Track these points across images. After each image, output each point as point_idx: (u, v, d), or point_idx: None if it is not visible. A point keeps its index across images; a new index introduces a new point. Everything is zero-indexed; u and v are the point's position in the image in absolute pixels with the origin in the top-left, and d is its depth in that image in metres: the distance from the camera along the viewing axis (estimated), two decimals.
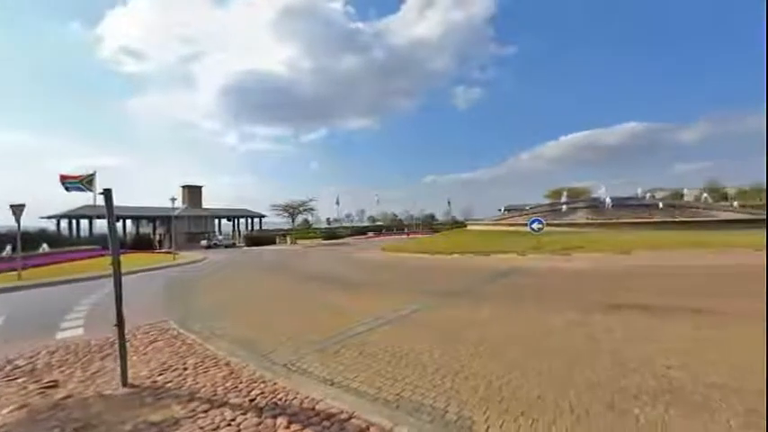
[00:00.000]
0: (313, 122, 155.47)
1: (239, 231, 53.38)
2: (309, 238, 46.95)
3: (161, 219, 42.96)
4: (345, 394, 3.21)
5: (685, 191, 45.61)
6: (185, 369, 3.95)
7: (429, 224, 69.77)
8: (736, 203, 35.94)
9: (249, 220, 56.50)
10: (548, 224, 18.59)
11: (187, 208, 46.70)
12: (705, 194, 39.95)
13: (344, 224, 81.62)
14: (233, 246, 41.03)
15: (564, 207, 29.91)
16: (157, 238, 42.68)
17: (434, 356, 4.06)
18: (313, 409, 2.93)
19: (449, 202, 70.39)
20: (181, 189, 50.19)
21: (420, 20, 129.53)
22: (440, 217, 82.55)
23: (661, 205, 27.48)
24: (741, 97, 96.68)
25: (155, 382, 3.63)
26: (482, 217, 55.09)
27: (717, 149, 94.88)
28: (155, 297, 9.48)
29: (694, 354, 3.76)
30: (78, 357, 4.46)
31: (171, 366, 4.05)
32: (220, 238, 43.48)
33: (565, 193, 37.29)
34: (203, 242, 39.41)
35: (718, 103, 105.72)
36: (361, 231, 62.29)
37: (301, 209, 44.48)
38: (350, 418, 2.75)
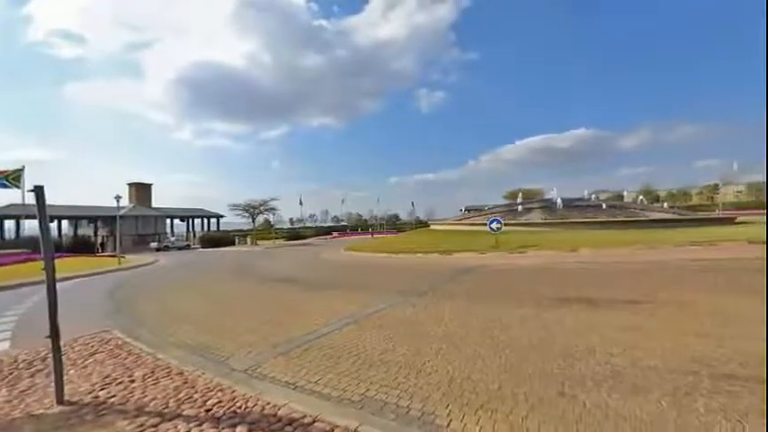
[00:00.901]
0: (274, 119, 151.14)
1: (194, 232, 50.38)
2: (271, 238, 45.46)
3: (104, 219, 39.41)
4: (309, 397, 3.15)
5: (625, 193, 50.08)
6: (132, 381, 3.66)
7: (393, 224, 70.54)
8: (665, 205, 40.09)
9: (206, 221, 53.57)
10: (505, 224, 19.52)
11: (135, 207, 43.26)
12: (641, 196, 44.17)
13: (308, 224, 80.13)
14: (187, 248, 38.63)
15: (520, 207, 31.59)
16: (99, 240, 39.07)
17: (399, 355, 4.11)
18: (275, 415, 2.84)
19: (413, 203, 71.92)
20: (128, 187, 46.38)
21: (384, 21, 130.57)
22: (404, 217, 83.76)
23: (605, 206, 29.97)
24: (672, 109, 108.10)
25: (96, 397, 3.32)
26: (445, 217, 56.65)
27: (652, 155, 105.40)
28: (96, 305, 8.67)
29: (633, 341, 4.13)
30: (3, 375, 3.96)
31: (115, 379, 3.73)
32: (173, 239, 40.69)
33: (521, 195, 39.39)
34: (153, 244, 36.68)
35: (653, 114, 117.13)
36: (326, 232, 61.46)
37: (262, 209, 42.79)
38: (314, 421, 2.71)
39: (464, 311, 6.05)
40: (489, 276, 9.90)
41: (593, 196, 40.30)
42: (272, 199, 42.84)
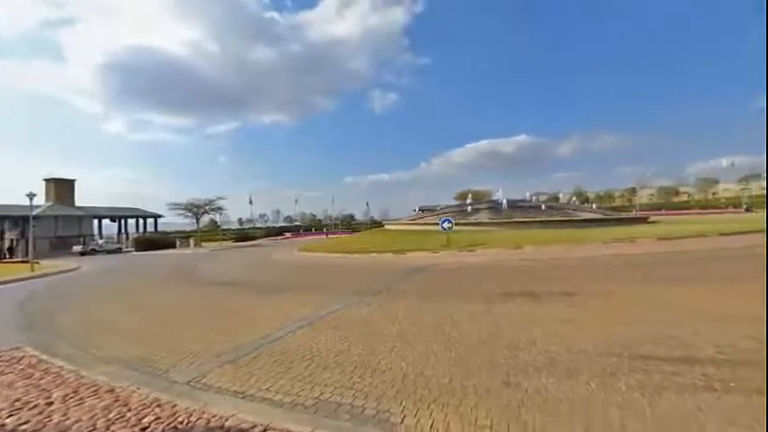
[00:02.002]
0: (222, 113, 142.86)
1: (128, 234, 45.76)
2: (218, 240, 42.82)
3: (13, 220, 34.24)
4: (259, 406, 3.01)
5: (560, 195, 54.98)
6: (50, 404, 3.22)
7: (348, 224, 70.08)
8: (594, 205, 44.67)
9: (141, 221, 48.93)
10: (456, 223, 20.38)
11: (53, 206, 38.17)
12: (574, 198, 48.72)
13: (258, 225, 76.72)
14: (118, 251, 34.98)
15: (469, 208, 33.17)
16: (7, 244, 33.86)
17: (354, 355, 4.09)
18: (222, 427, 2.68)
19: (367, 203, 72.16)
20: (45, 183, 40.75)
21: (338, 18, 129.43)
22: (359, 217, 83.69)
23: (543, 207, 32.59)
24: (601, 120, 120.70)
25: (2, 425, 2.87)
26: (399, 217, 57.58)
27: (582, 161, 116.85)
28: (2, 320, 7.50)
29: (567, 330, 4.53)
30: None
31: (28, 403, 3.26)
32: (101, 242, 36.48)
33: (470, 196, 41.31)
34: (77, 248, 32.64)
35: (582, 124, 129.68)
36: (278, 232, 59.31)
37: (208, 208, 40.06)
38: (265, 430, 2.59)
39: (417, 309, 6.20)
40: (441, 274, 10.25)
41: (534, 198, 43.67)
42: (219, 198, 40.42)
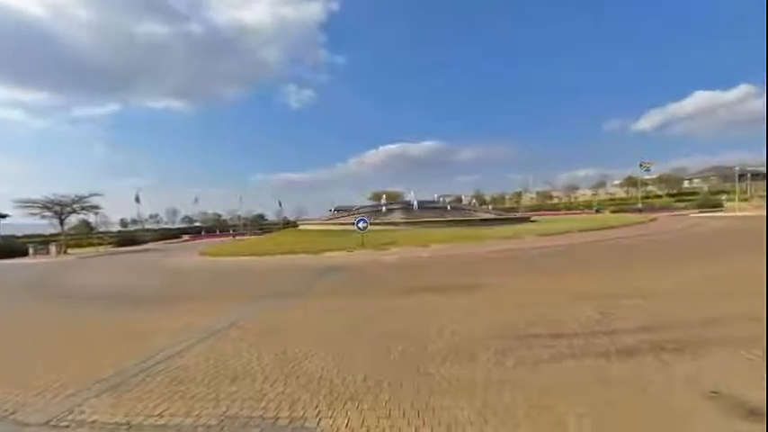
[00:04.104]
0: (98, 93, 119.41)
1: None
2: (92, 245, 35.70)
3: None
4: None
5: (463, 196, 60.94)
6: None
7: (259, 225, 65.76)
8: (490, 206, 50.79)
9: None
10: (371, 223, 20.88)
11: None
12: (474, 200, 54.63)
13: (149, 227, 66.45)
14: None
15: (384, 208, 34.35)
16: None
17: (264, 363, 3.86)
18: None
19: (280, 203, 68.59)
20: None
21: (244, 4, 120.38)
22: (271, 217, 79.08)
23: (449, 207, 35.72)
24: (497, 132, 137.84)
25: None
26: (314, 217, 56.34)
27: (480, 167, 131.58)
28: None
29: (469, 319, 5.05)
30: None
31: None
32: None
33: (384, 196, 42.78)
34: None
35: (480, 134, 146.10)
36: (175, 235, 52.41)
37: (77, 207, 32.93)
38: None
39: (332, 309, 6.16)
40: (356, 273, 10.38)
41: (441, 199, 47.50)
42: (93, 194, 33.67)
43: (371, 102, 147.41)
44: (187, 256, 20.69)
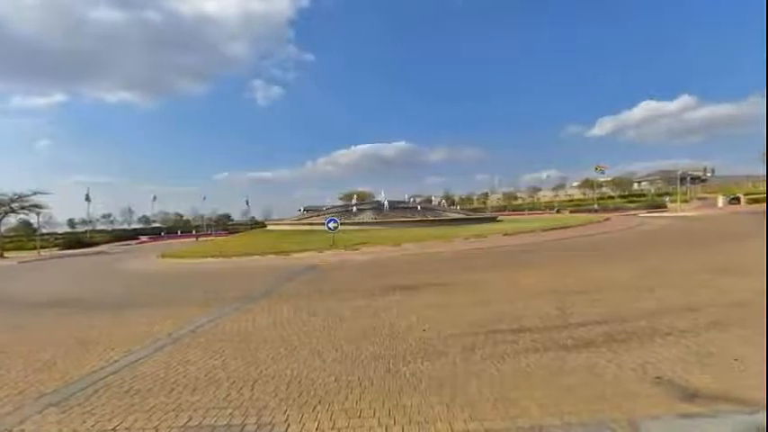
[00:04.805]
0: (40, 82, 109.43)
1: None
2: (36, 247, 32.66)
3: None
4: None
5: (433, 197, 62.06)
6: None
7: (224, 225, 63.28)
8: (458, 207, 52.11)
9: None
10: (342, 223, 20.73)
11: None
12: (443, 200, 55.79)
13: (102, 227, 61.87)
14: None
15: (354, 208, 34.23)
16: None
17: (230, 370, 3.71)
18: None
19: (247, 202, 66.26)
20: None
21: None
22: (237, 217, 76.30)
23: (419, 208, 36.23)
24: (465, 134, 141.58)
25: None
26: (283, 217, 55.00)
27: (449, 168, 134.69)
28: None
29: (438, 316, 5.15)
30: None
31: None
32: None
33: (355, 196, 42.68)
34: None
35: (452, 135, 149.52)
36: (131, 236, 49.20)
37: (15, 206, 29.99)
38: None
39: (302, 311, 6.05)
40: (327, 274, 10.26)
41: (412, 199, 48.11)
42: (37, 193, 30.85)
43: (342, 101, 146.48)
44: (145, 258, 19.48)
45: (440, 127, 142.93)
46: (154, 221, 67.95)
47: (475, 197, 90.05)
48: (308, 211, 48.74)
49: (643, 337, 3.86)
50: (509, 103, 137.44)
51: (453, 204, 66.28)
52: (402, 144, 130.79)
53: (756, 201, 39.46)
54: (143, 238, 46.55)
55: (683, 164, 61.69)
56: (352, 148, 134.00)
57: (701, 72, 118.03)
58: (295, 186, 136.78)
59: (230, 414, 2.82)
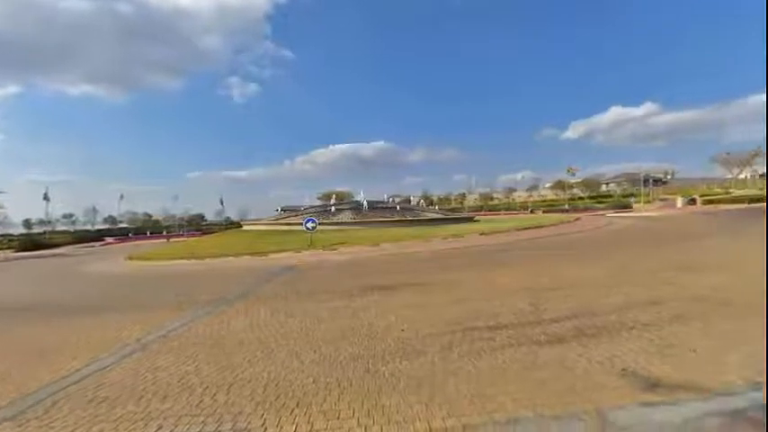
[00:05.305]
0: None
1: None
2: None
3: None
4: None
5: (411, 197, 62.47)
6: None
7: (198, 225, 61.10)
8: (437, 207, 52.77)
9: None
10: (320, 223, 20.51)
11: None
12: (422, 200, 56.36)
13: (62, 228, 58.24)
14: None
15: (333, 208, 33.96)
16: None
17: (204, 375, 3.59)
18: None
19: (221, 201, 64.27)
20: None
21: None
22: (211, 217, 73.81)
23: (398, 207, 36.41)
24: (444, 135, 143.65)
25: None
26: (259, 217, 53.76)
27: (428, 168, 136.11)
28: None
29: (417, 316, 5.19)
30: None
31: None
32: None
33: (334, 196, 42.37)
34: None
35: (431, 136, 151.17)
36: (95, 237, 46.61)
37: None
38: None
39: (280, 312, 5.93)
40: (305, 274, 10.12)
41: (390, 199, 48.26)
42: None
43: (320, 99, 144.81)
44: (111, 261, 18.50)
45: (419, 127, 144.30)
46: (121, 222, 64.55)
47: (453, 197, 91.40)
48: (285, 210, 47.90)
49: (612, 331, 4.06)
50: (486, 104, 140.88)
51: (432, 204, 66.99)
52: (381, 144, 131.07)
53: (711, 202, 42.31)
54: (108, 240, 44.22)
55: (646, 167, 65.45)
56: (331, 147, 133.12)
57: (665, 80, 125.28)
58: (272, 186, 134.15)
59: (203, 421, 2.73)
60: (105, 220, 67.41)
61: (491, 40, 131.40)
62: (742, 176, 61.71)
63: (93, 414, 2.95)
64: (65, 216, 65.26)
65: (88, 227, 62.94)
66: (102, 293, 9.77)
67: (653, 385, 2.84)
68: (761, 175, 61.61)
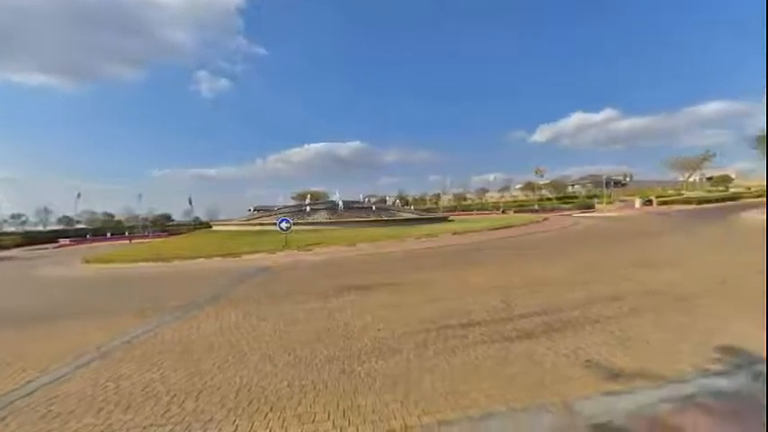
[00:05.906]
0: None
1: None
2: None
3: None
4: None
5: (387, 197, 62.79)
6: None
7: (164, 226, 58.25)
8: (412, 207, 53.30)
9: None
10: (295, 223, 20.16)
11: None
12: (397, 200, 56.74)
13: (10, 229, 53.72)
14: None
15: (308, 208, 33.44)
16: None
17: (170, 383, 3.43)
18: None
19: (190, 201, 61.52)
20: None
21: None
22: (178, 217, 70.54)
23: (374, 208, 36.44)
24: (419, 135, 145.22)
25: None
26: (231, 217, 52.05)
27: (403, 169, 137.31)
28: None
29: (392, 315, 5.22)
30: None
31: None
32: None
33: (309, 196, 41.68)
34: None
35: (402, 138, 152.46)
36: (48, 239, 43.34)
37: None
38: None
39: (252, 315, 5.78)
40: (279, 275, 9.91)
41: (366, 199, 48.25)
42: None
43: (295, 97, 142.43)
44: (67, 264, 17.27)
45: (394, 128, 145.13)
46: (78, 222, 60.33)
47: (428, 198, 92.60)
48: (258, 210, 46.67)
49: (576, 326, 4.26)
50: (459, 106, 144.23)
51: (407, 204, 67.63)
52: (357, 144, 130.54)
53: (665, 203, 45.44)
54: (63, 241, 41.17)
55: (607, 169, 69.37)
56: (306, 146, 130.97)
57: (625, 88, 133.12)
58: (244, 185, 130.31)
59: (171, 430, 2.61)
60: (60, 221, 62.80)
61: (468, 43, 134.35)
62: (692, 180, 66.84)
63: (44, 429, 2.74)
64: (13, 216, 60.23)
65: (40, 228, 58.41)
66: (59, 300, 9.10)
67: (615, 375, 3.01)
68: (708, 179, 67.17)
